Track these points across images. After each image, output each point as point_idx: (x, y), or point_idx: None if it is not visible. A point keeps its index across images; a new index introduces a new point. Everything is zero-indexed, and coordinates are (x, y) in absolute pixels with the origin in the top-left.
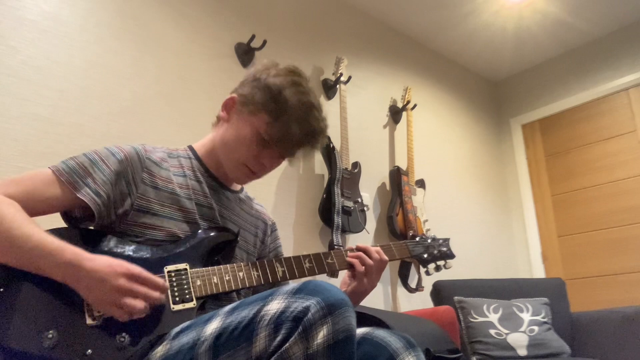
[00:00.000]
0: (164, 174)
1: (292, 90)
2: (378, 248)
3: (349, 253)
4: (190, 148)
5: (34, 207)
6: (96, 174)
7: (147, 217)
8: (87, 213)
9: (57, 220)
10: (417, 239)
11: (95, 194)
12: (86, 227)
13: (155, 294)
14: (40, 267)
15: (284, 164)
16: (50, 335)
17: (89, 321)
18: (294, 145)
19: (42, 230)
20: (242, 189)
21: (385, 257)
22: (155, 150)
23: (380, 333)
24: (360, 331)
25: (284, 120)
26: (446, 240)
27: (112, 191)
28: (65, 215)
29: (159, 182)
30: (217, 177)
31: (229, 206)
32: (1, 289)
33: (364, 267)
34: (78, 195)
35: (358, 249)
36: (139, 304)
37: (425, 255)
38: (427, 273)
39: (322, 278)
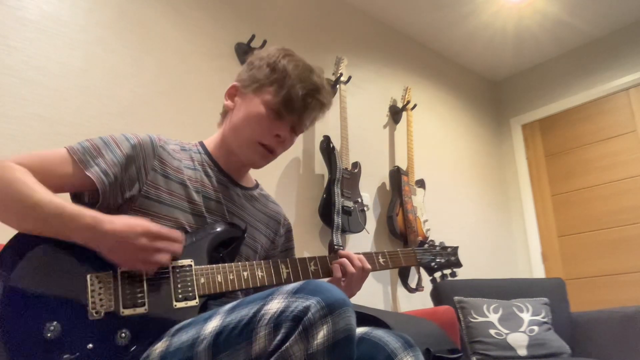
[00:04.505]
0: (175, 164)
1: (286, 59)
2: (361, 256)
3: (333, 260)
4: (201, 144)
5: (45, 181)
6: (107, 155)
7: (154, 205)
8: (96, 198)
9: None
10: (426, 246)
11: (103, 173)
12: None
13: (176, 247)
14: (61, 231)
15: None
16: (53, 327)
17: (91, 315)
18: (302, 107)
19: (58, 197)
20: (256, 186)
21: (368, 266)
22: (169, 141)
23: (378, 333)
24: (358, 331)
25: (287, 85)
26: (455, 248)
27: (121, 174)
28: (75, 199)
29: (170, 172)
30: (227, 172)
31: (238, 202)
32: (7, 277)
33: (344, 275)
34: (87, 173)
35: (341, 255)
36: (163, 257)
37: (433, 264)
38: (433, 281)
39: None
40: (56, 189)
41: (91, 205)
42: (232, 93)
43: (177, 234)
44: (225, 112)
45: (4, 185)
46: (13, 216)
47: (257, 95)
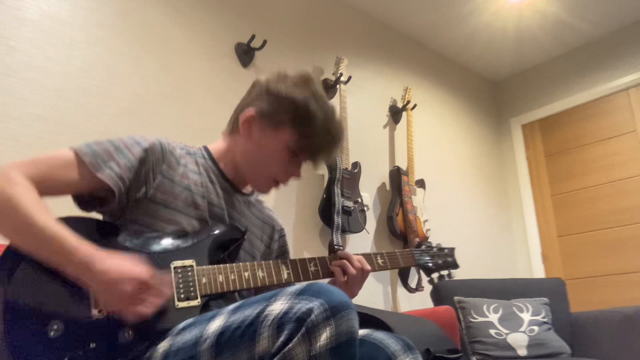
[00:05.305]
0: (181, 169)
1: (315, 103)
2: (360, 257)
3: (332, 261)
4: (205, 149)
5: (50, 188)
6: (120, 160)
7: (159, 209)
8: (99, 197)
9: (64, 208)
10: (423, 247)
11: (119, 178)
12: (97, 219)
13: (160, 301)
14: (53, 260)
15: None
16: (56, 326)
17: (94, 314)
18: (321, 153)
19: (57, 222)
20: (252, 192)
21: (368, 267)
22: (176, 145)
23: (379, 335)
24: (359, 332)
25: (310, 133)
26: (452, 249)
27: (133, 177)
28: (76, 198)
29: (176, 177)
30: (229, 179)
31: (239, 208)
32: (10, 276)
33: (345, 276)
34: (99, 176)
35: (340, 256)
36: (145, 309)
37: (430, 264)
38: (431, 282)
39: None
40: (61, 193)
41: (93, 204)
42: (249, 121)
43: (166, 292)
44: (237, 129)
45: (2, 200)
46: (5, 233)
47: (277, 133)
